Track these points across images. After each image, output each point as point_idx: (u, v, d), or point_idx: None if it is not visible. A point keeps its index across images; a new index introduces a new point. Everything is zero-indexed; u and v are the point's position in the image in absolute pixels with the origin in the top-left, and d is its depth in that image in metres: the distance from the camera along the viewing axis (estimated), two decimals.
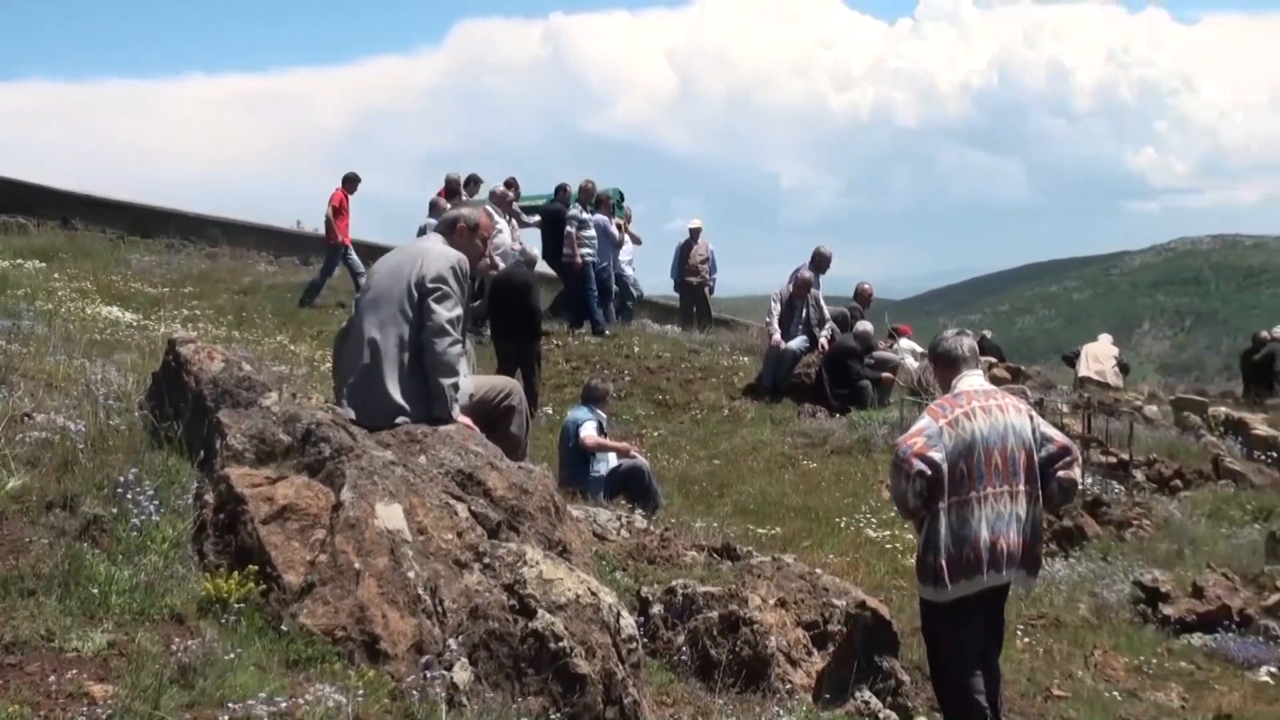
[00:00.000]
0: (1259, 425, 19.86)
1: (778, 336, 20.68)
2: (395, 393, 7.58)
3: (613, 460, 13.97)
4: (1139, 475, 17.01)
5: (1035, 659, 10.30)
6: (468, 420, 7.86)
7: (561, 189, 25.00)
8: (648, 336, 23.62)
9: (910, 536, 13.36)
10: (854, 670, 7.73)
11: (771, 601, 7.66)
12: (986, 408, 7.78)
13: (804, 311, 21.04)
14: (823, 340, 20.83)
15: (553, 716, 5.60)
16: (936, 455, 7.57)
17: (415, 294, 7.78)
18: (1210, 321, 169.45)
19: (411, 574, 5.70)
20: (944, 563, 7.64)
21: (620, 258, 24.94)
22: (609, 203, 24.80)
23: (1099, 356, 25.29)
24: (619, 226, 24.86)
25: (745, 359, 22.77)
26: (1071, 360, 26.21)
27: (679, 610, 7.58)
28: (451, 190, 23.75)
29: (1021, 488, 7.77)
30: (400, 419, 7.40)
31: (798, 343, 20.80)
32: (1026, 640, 10.82)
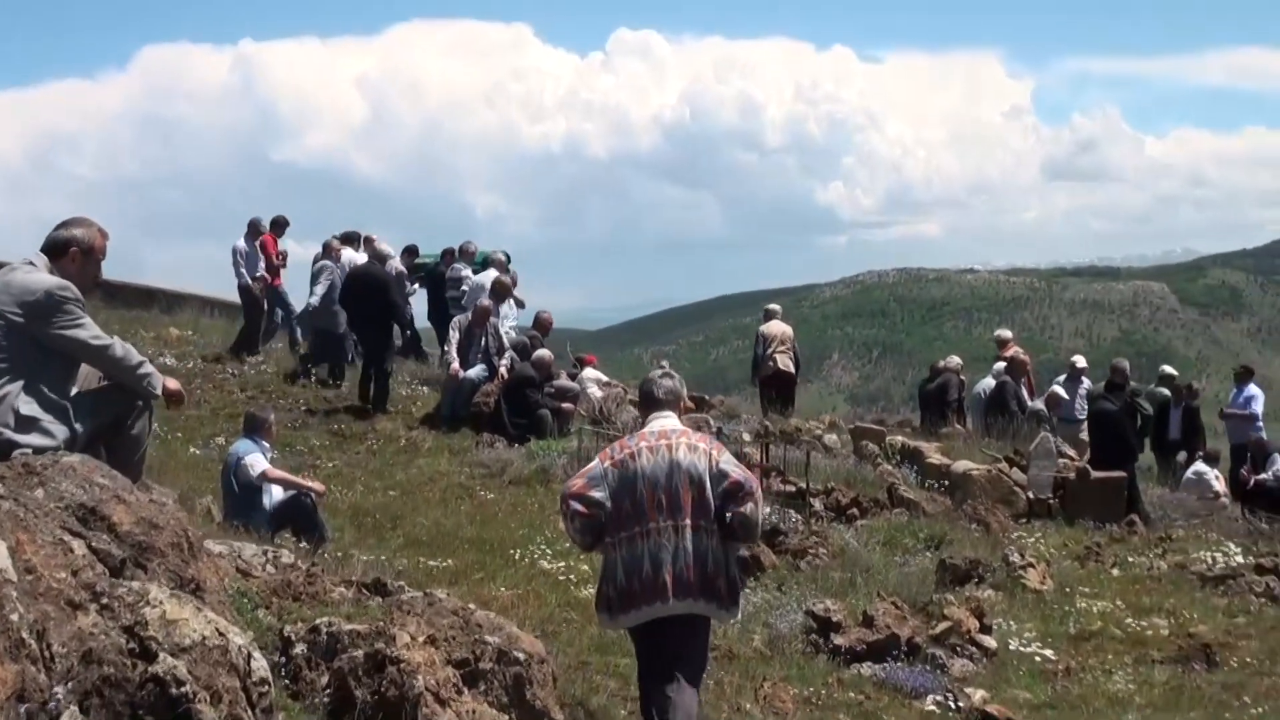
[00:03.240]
0: (933, 454, 20.24)
1: (456, 365, 20.49)
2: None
3: (278, 494, 13.52)
4: (817, 504, 17.10)
5: (706, 693, 10.16)
6: (173, 385, 8.26)
7: (448, 253, 25.79)
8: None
9: (585, 567, 13.26)
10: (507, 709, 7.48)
11: (421, 639, 7.33)
12: (654, 447, 8.17)
13: (483, 340, 20.84)
14: (502, 369, 20.65)
15: None
16: (598, 494, 8.07)
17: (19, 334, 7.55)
18: (896, 352, 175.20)
19: (15, 616, 5.22)
20: (614, 593, 8.08)
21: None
22: (501, 264, 24.59)
23: (782, 339, 25.15)
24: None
25: (425, 388, 22.54)
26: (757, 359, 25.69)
27: (323, 650, 7.22)
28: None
29: (687, 522, 8.01)
30: (17, 451, 7.02)
31: (476, 372, 20.63)
32: None
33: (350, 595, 8.57)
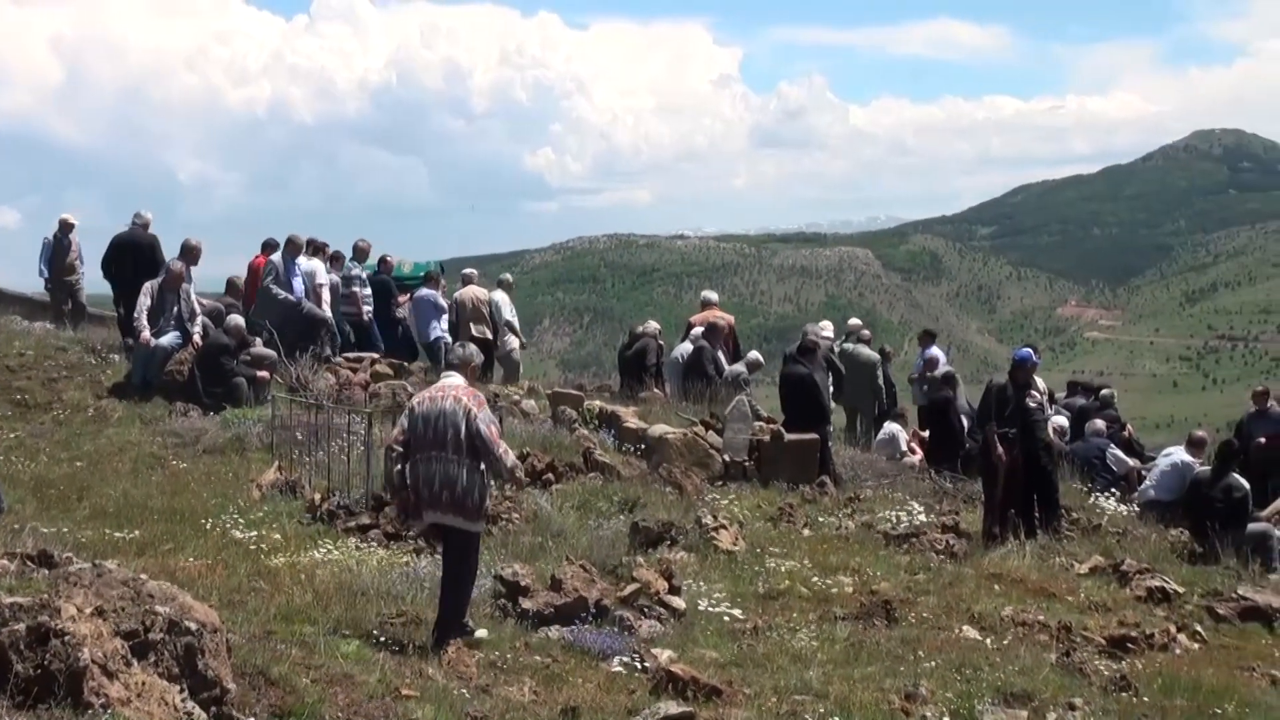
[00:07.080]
0: (630, 418, 20.34)
1: (147, 333, 20.00)
2: None
3: None
4: None
5: (388, 659, 10.14)
6: None
7: (383, 260, 26.08)
8: (10, 334, 22.46)
9: (277, 536, 13.18)
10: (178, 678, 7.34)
11: (88, 611, 7.17)
12: (432, 398, 11.07)
13: (175, 306, 20.40)
14: (195, 336, 20.24)
15: None
16: (403, 435, 11.08)
17: None
18: (607, 318, 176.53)
19: None
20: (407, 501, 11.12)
21: (442, 327, 25.01)
22: (436, 277, 25.74)
23: (475, 305, 25.07)
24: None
25: (117, 357, 21.93)
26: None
27: None
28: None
29: (449, 455, 10.84)
30: None
31: (169, 339, 20.21)
32: (381, 640, 10.63)
33: (14, 568, 8.34)
